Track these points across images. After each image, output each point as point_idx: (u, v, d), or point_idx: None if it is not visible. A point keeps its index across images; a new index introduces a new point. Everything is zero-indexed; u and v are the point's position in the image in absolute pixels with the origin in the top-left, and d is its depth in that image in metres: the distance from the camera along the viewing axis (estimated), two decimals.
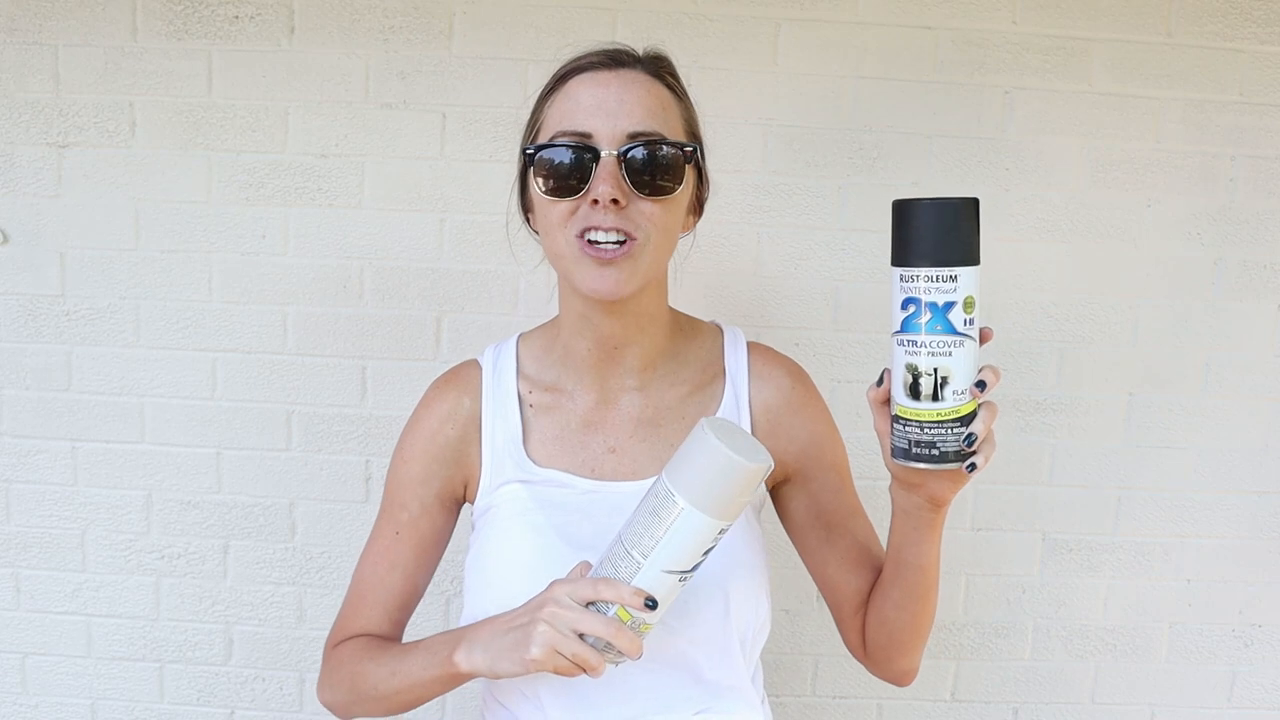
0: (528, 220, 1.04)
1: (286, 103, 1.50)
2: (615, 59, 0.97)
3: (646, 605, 0.83)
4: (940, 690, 1.65)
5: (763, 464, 0.82)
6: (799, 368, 1.10)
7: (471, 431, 1.05)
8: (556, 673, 0.85)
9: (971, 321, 0.81)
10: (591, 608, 0.84)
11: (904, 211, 0.82)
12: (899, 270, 0.82)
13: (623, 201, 0.91)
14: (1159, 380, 1.57)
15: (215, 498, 1.59)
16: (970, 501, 1.59)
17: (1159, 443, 1.58)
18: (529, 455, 1.02)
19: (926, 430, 0.83)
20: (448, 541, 1.10)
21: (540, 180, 0.94)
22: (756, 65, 1.49)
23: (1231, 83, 1.50)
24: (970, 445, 0.82)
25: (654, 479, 0.86)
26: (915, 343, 0.82)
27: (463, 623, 1.00)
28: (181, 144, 1.51)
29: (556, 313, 1.06)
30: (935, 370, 0.82)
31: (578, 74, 0.97)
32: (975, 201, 0.82)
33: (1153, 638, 1.64)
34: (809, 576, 1.10)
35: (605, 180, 0.91)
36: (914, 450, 0.84)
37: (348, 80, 1.49)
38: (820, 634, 1.59)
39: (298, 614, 1.62)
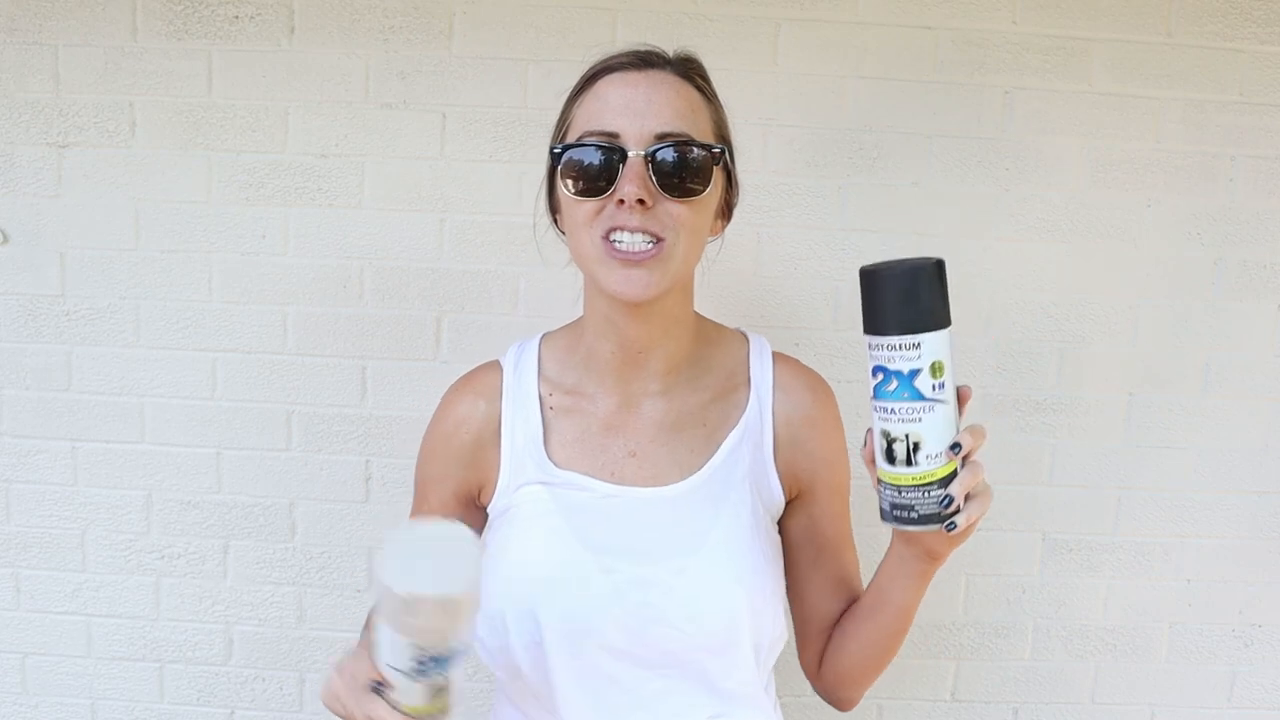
0: (555, 221, 1.04)
1: (286, 103, 1.50)
2: (645, 60, 0.97)
3: (375, 687, 0.80)
4: (940, 690, 1.65)
5: (434, 590, 0.76)
6: (824, 383, 1.09)
7: (488, 435, 1.05)
8: None
9: (942, 385, 0.81)
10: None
11: (867, 280, 0.83)
12: (868, 338, 0.83)
13: (649, 202, 0.90)
14: (1159, 380, 1.57)
15: (215, 498, 1.59)
16: None
17: (1159, 443, 1.58)
18: (549, 457, 1.02)
19: (904, 494, 0.84)
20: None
21: (567, 180, 0.94)
22: (756, 65, 1.49)
23: (1231, 83, 1.50)
24: (947, 507, 0.82)
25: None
26: (887, 409, 0.83)
27: (478, 629, 1.00)
28: (181, 144, 1.51)
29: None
30: (907, 436, 0.82)
31: (607, 74, 0.96)
32: (938, 264, 0.81)
33: (1153, 638, 1.64)
34: None
35: (632, 180, 0.90)
36: (894, 512, 0.85)
37: (348, 80, 1.49)
38: None
39: (298, 614, 1.62)
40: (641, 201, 0.90)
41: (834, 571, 1.07)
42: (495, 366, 1.09)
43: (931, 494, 0.83)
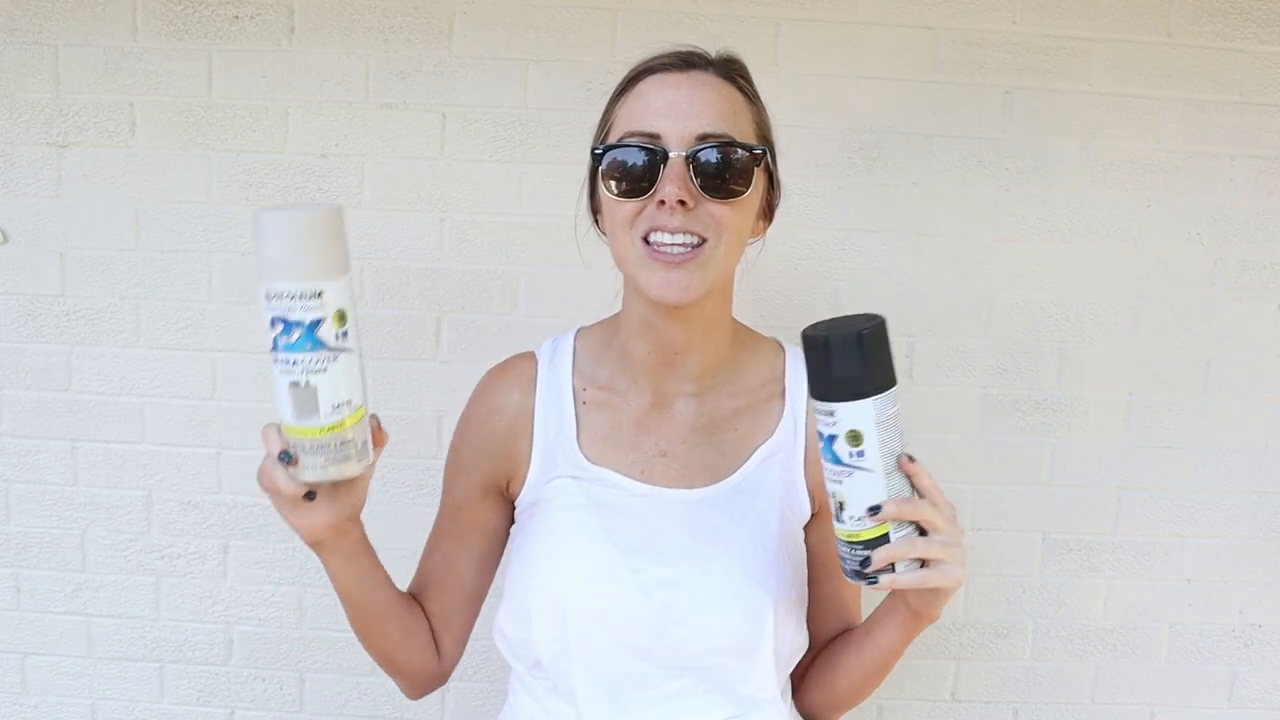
0: (596, 222, 1.04)
1: (286, 103, 1.50)
2: (686, 60, 0.97)
3: (282, 459, 0.83)
4: (940, 690, 1.65)
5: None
6: None
7: (521, 426, 1.05)
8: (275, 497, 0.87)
9: (861, 453, 0.84)
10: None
11: (805, 345, 0.86)
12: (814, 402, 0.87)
13: (690, 203, 0.90)
14: (1159, 380, 1.57)
15: (215, 498, 1.59)
16: (970, 501, 1.59)
17: (1159, 443, 1.58)
18: (581, 451, 1.02)
19: (839, 546, 0.89)
20: (496, 532, 1.09)
21: (609, 181, 0.94)
22: (756, 65, 1.47)
23: (1231, 83, 1.50)
24: (865, 567, 0.86)
25: None
26: (825, 466, 0.87)
27: (499, 617, 1.02)
28: (181, 144, 1.51)
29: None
30: (834, 495, 0.87)
31: (648, 75, 0.96)
32: (826, 340, 0.84)
33: (1153, 638, 1.64)
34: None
35: (673, 181, 0.90)
36: (838, 561, 0.91)
37: (348, 80, 1.49)
38: None
39: (298, 614, 1.61)
40: (682, 203, 0.90)
41: (832, 593, 1.08)
42: (530, 357, 1.09)
43: (856, 552, 0.87)
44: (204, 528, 1.60)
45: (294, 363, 0.81)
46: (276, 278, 0.80)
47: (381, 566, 1.01)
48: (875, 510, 0.84)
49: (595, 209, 1.03)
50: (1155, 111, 1.51)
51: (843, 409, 0.83)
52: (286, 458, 0.83)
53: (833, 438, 0.84)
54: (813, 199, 1.52)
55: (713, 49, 1.00)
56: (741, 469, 1.02)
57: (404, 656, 1.06)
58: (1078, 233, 1.53)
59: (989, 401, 1.57)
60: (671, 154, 0.91)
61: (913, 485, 0.86)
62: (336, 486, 0.87)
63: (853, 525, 0.86)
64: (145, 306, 1.55)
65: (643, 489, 1.01)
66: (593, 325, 1.10)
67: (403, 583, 1.09)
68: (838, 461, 0.85)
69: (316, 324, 0.80)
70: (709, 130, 0.92)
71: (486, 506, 1.08)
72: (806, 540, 1.07)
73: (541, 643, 0.98)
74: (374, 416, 0.87)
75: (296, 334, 0.80)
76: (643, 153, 0.92)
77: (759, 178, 0.96)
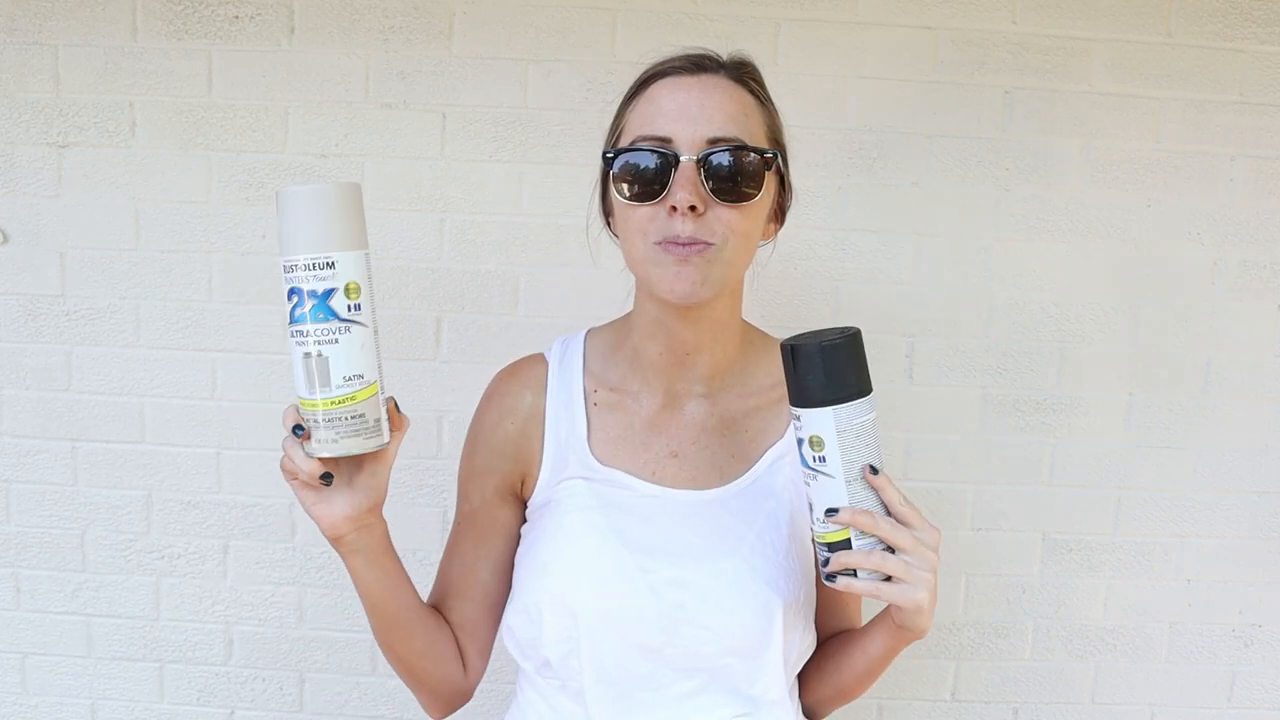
0: (608, 224, 1.04)
1: (286, 103, 1.50)
2: (698, 64, 0.96)
3: (294, 431, 0.86)
4: (940, 690, 1.65)
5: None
6: None
7: (533, 427, 1.05)
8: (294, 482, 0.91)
9: (823, 459, 0.87)
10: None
11: (781, 353, 0.90)
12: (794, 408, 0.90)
13: (701, 208, 0.90)
14: (1159, 380, 1.57)
15: (215, 498, 1.59)
16: (970, 501, 1.59)
17: (1159, 443, 1.58)
18: (592, 452, 1.02)
19: (816, 549, 0.93)
20: (515, 535, 1.09)
21: (621, 185, 0.94)
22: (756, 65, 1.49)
23: (1231, 83, 1.50)
24: (825, 565, 0.90)
25: None
26: (799, 467, 0.92)
27: (508, 616, 1.02)
28: (181, 144, 1.51)
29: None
30: (806, 495, 0.92)
31: (660, 78, 0.96)
32: (793, 349, 0.87)
33: (1153, 638, 1.64)
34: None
35: (684, 186, 0.90)
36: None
37: (348, 80, 1.49)
38: None
39: (298, 614, 1.62)
40: (694, 208, 0.90)
41: (831, 593, 1.08)
42: (540, 359, 1.09)
43: (821, 552, 0.91)
44: (204, 528, 1.60)
45: (306, 333, 0.82)
46: (291, 249, 0.81)
47: (404, 571, 1.01)
48: (833, 513, 0.88)
49: (607, 211, 1.03)
50: (1155, 111, 1.51)
51: (806, 415, 0.88)
52: (299, 431, 0.83)
53: (800, 441, 0.89)
54: (813, 199, 1.52)
55: (723, 51, 1.00)
56: (752, 470, 1.03)
57: (429, 666, 1.06)
58: (1078, 233, 1.54)
59: (989, 401, 1.57)
60: (683, 158, 0.91)
61: (880, 498, 0.89)
62: (355, 474, 0.88)
63: (819, 526, 0.90)
64: (145, 306, 1.55)
65: (653, 490, 1.01)
66: (602, 326, 1.10)
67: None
68: (805, 464, 0.89)
69: (329, 294, 0.81)
70: (720, 134, 0.92)
71: (504, 510, 1.08)
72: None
73: (551, 642, 0.98)
74: (391, 399, 0.87)
75: (310, 304, 0.82)
76: (654, 156, 0.92)
77: (770, 181, 0.96)
